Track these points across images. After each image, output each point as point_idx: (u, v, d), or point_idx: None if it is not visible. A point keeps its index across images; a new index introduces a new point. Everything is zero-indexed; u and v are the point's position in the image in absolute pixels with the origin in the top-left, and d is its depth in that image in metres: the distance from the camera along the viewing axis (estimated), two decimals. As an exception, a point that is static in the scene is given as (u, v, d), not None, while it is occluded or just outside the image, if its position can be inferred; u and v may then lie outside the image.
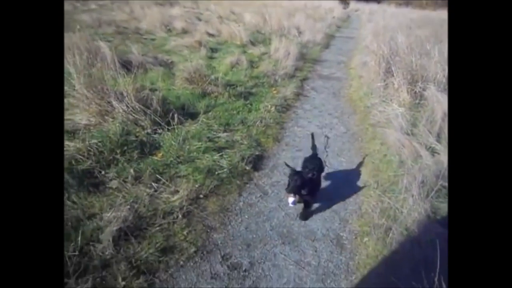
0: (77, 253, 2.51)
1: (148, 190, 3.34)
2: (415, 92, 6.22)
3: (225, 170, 3.80)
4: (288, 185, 2.99)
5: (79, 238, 2.61)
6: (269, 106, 5.86)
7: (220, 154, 4.09)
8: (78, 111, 4.50)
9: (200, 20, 16.04)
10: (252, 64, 8.69)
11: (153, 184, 3.43)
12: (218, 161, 3.93)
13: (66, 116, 4.40)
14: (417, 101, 6.03)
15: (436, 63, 6.82)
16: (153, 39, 11.41)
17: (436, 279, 2.01)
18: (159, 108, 4.75)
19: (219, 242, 2.97)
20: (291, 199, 3.03)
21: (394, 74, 6.77)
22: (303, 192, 3.06)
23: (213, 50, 10.18)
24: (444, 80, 6.29)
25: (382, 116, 5.70)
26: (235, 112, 5.52)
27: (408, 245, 2.84)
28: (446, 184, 3.59)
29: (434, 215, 3.19)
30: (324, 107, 6.62)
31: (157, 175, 3.55)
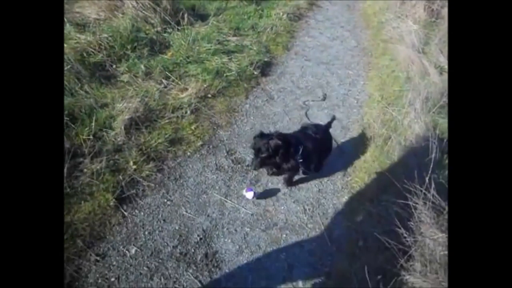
0: (91, 137, 2.66)
1: (158, 85, 3.41)
2: (432, 10, 5.97)
3: (233, 72, 3.83)
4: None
5: (93, 124, 2.74)
6: (281, 14, 5.67)
7: (229, 57, 4.08)
8: (87, 5, 4.39)
9: None
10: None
11: (163, 80, 3.49)
12: (227, 64, 3.94)
13: (75, 9, 4.31)
14: (433, 19, 5.82)
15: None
16: None
17: (427, 178, 2.15)
18: (169, 7, 4.61)
19: (225, 138, 3.11)
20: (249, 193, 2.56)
21: (413, -12, 6.44)
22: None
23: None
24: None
25: (395, 33, 5.54)
26: (246, 17, 5.36)
27: (404, 153, 2.96)
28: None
29: (434, 129, 3.27)
30: (337, 19, 6.41)
31: (167, 73, 3.59)
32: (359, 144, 3.26)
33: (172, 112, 3.15)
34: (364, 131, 3.40)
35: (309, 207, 2.58)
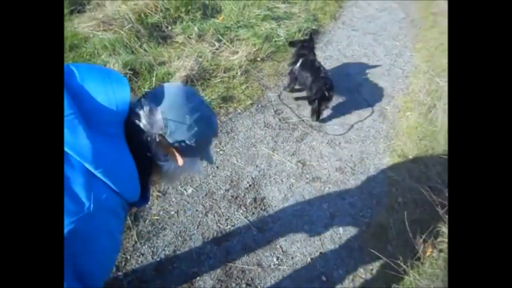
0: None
1: (210, 47, 3.59)
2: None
3: (282, 38, 3.95)
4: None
5: (154, 79, 2.98)
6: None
7: (278, 23, 4.20)
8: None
9: None
10: None
11: (215, 42, 3.67)
12: (276, 30, 4.06)
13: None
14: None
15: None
16: None
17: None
18: (221, -28, 4.76)
19: (273, 99, 3.27)
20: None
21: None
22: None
23: None
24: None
25: (445, 5, 5.43)
26: (295, -16, 5.41)
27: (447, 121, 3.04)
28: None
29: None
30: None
31: (219, 36, 3.76)
32: (403, 111, 3.34)
33: (224, 72, 3.34)
34: (409, 99, 3.47)
35: (352, 165, 2.73)
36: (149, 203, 2.21)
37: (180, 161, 0.96)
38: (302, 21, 4.41)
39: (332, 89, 2.96)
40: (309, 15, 4.61)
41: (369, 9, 5.46)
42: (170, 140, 0.90)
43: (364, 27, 4.86)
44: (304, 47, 3.27)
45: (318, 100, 2.98)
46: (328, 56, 4.04)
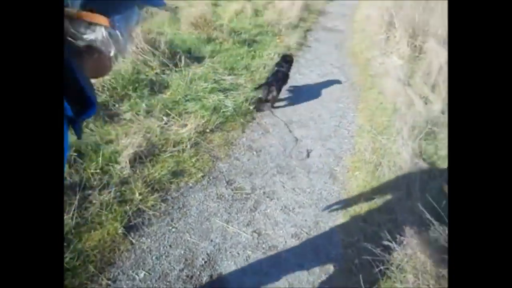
0: (98, 171, 2.84)
1: (159, 122, 3.62)
2: (415, 46, 6.38)
3: (229, 108, 4.07)
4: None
5: (100, 159, 2.93)
6: (272, 54, 6.02)
7: (225, 94, 4.34)
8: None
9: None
10: (256, 12, 8.71)
11: (163, 117, 3.71)
12: (223, 101, 4.19)
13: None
14: (416, 54, 6.21)
15: (438, 18, 6.93)
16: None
17: (412, 198, 2.34)
18: (166, 50, 4.94)
19: (224, 170, 3.29)
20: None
21: (396, 27, 6.90)
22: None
23: (217, -3, 10.11)
24: (445, 35, 6.43)
25: (381, 68, 5.90)
26: (239, 58, 5.69)
27: (394, 177, 3.17)
28: (435, 128, 3.89)
29: (420, 153, 3.49)
30: (326, 58, 6.77)
31: (167, 110, 3.82)
32: (352, 171, 3.46)
33: (174, 147, 3.34)
34: (356, 159, 3.61)
35: (307, 230, 2.73)
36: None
37: (103, 19, 0.79)
38: (249, 91, 4.58)
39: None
40: (254, 84, 4.81)
41: (311, 75, 5.79)
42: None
43: (308, 93, 5.11)
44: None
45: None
46: (276, 122, 4.17)
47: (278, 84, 4.40)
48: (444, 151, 3.57)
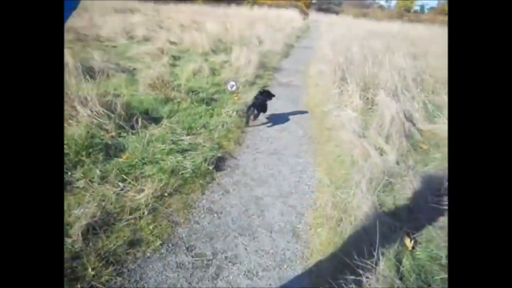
0: (47, 246, 2.66)
1: (114, 189, 3.50)
2: (367, 98, 6.71)
3: (188, 170, 4.02)
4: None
5: (49, 233, 2.76)
6: (231, 111, 6.11)
7: (184, 155, 4.30)
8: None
9: (161, 28, 16.16)
10: (213, 71, 8.96)
11: (119, 183, 3.59)
12: (182, 162, 4.14)
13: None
14: (368, 106, 6.51)
15: (387, 71, 7.38)
16: (114, 46, 11.44)
17: (375, 253, 2.34)
18: (123, 113, 4.91)
19: (184, 235, 3.18)
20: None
21: (348, 82, 7.26)
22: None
23: (175, 57, 10.36)
24: (394, 87, 6.82)
25: (337, 121, 6.09)
26: (197, 116, 5.73)
27: (355, 232, 3.17)
28: (391, 179, 3.99)
29: (380, 207, 3.54)
30: (283, 112, 6.96)
31: (123, 175, 3.72)
32: (315, 228, 3.44)
33: (130, 214, 3.22)
34: (318, 215, 3.61)
35: (271, 295, 2.64)
36: None
37: None
38: (208, 150, 4.58)
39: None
40: (213, 143, 4.83)
41: (270, 131, 5.90)
42: None
43: (267, 148, 5.18)
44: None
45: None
46: (236, 181, 4.15)
47: (256, 107, 5.91)
48: (402, 202, 3.64)
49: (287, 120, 6.56)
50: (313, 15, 46.14)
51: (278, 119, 6.50)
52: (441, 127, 5.81)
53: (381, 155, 4.70)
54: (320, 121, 6.44)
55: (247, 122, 5.94)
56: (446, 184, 3.76)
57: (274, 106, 7.25)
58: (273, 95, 6.34)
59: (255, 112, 5.92)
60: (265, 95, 6.16)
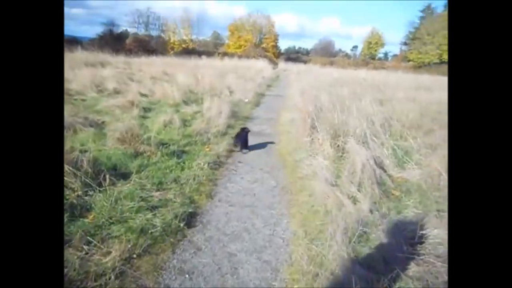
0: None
1: (78, 253, 3.32)
2: (338, 146, 6.80)
3: (158, 228, 3.87)
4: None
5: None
6: (202, 164, 6.05)
7: (153, 213, 4.16)
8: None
9: (132, 80, 16.26)
10: (185, 123, 8.97)
11: (84, 247, 3.41)
12: (151, 220, 4.00)
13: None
14: (339, 154, 6.59)
15: (355, 118, 7.58)
16: (83, 100, 11.37)
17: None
18: (90, 170, 4.77)
19: (153, 301, 3.01)
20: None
21: (318, 130, 7.39)
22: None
23: (145, 109, 10.37)
24: (363, 134, 6.97)
25: (309, 169, 6.11)
26: (168, 170, 5.64)
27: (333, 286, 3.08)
28: (366, 229, 3.97)
29: (356, 258, 3.49)
30: (255, 162, 6.97)
31: (88, 237, 3.54)
32: (291, 284, 3.33)
33: (95, 281, 3.03)
34: (294, 270, 3.50)
35: None
36: None
37: None
38: (178, 206, 4.46)
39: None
40: (184, 198, 4.72)
41: (242, 182, 5.84)
42: None
43: (240, 201, 5.10)
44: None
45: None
46: (209, 237, 4.02)
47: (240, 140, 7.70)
48: (378, 253, 3.60)
49: (260, 170, 6.53)
50: (282, 64, 47.83)
51: (250, 168, 6.49)
52: (411, 172, 5.92)
53: (355, 203, 4.70)
54: (292, 170, 6.45)
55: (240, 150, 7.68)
56: (420, 232, 3.77)
57: (247, 156, 7.27)
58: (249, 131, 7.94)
59: (238, 146, 7.64)
60: (246, 131, 7.76)
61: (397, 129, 8.25)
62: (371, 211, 4.49)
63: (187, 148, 7.06)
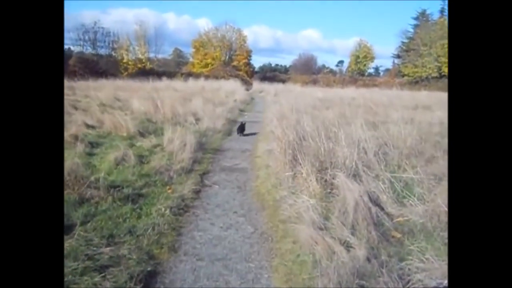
0: None
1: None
2: (325, 181, 6.81)
3: (108, 294, 3.73)
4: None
5: None
6: (163, 209, 5.95)
7: (102, 274, 4.01)
8: None
9: (76, 109, 16.10)
10: (141, 159, 8.84)
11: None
12: (100, 284, 3.85)
13: None
14: (327, 190, 6.58)
15: (344, 147, 7.63)
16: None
17: None
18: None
19: None
20: None
21: (301, 162, 7.39)
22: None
23: (92, 144, 10.21)
24: (353, 165, 7.02)
25: (292, 210, 6.07)
26: (121, 219, 5.50)
27: None
28: (363, 282, 3.92)
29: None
30: (229, 204, 6.89)
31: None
32: None
33: None
34: None
35: None
36: None
37: None
38: (134, 264, 4.33)
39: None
40: (142, 254, 4.59)
41: (213, 230, 5.74)
42: None
43: (210, 254, 4.99)
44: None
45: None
46: (173, 302, 3.89)
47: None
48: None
49: (234, 213, 6.45)
50: (257, 85, 48.42)
51: (222, 212, 6.41)
52: (414, 209, 5.94)
53: (348, 250, 4.65)
54: (273, 212, 6.40)
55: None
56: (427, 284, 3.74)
57: (218, 197, 7.19)
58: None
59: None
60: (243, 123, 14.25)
61: (393, 158, 8.34)
62: (368, 259, 4.45)
63: (144, 191, 6.93)
